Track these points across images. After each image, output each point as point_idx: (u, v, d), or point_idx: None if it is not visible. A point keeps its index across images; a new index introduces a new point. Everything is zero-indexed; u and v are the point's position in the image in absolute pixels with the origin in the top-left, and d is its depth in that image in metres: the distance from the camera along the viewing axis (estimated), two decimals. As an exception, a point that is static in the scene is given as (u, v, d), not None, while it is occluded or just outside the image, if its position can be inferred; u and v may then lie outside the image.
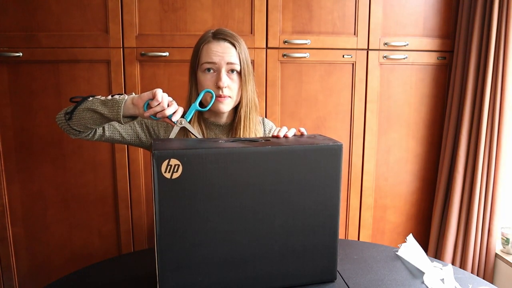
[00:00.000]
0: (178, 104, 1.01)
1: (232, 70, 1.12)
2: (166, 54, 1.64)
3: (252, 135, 1.18)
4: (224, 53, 1.10)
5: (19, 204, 1.70)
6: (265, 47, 1.70)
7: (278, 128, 0.98)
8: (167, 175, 0.75)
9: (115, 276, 0.98)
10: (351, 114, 1.81)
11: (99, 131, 1.12)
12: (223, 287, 0.83)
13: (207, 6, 1.65)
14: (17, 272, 1.74)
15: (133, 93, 1.05)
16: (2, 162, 1.66)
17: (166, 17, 1.64)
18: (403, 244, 1.09)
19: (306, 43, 1.71)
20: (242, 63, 1.12)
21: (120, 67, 1.64)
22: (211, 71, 1.11)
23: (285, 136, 0.95)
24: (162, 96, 0.96)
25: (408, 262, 1.04)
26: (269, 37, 1.70)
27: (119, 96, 1.02)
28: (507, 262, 1.74)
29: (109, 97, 1.03)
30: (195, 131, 1.04)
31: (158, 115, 0.97)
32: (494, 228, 1.75)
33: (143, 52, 1.63)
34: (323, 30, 1.73)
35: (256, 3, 1.67)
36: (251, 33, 1.68)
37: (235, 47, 1.11)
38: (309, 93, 1.77)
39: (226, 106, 1.14)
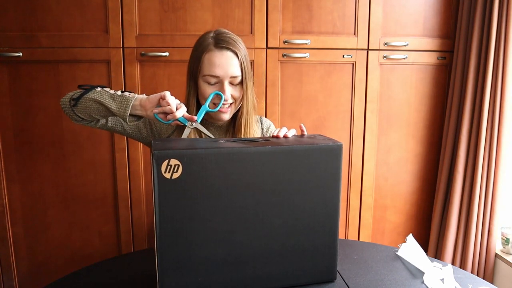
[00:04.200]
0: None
1: (234, 80, 1.12)
2: (166, 54, 1.64)
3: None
4: (228, 65, 1.09)
5: (19, 204, 1.70)
6: (265, 47, 1.70)
7: (278, 129, 0.98)
8: (167, 175, 0.75)
9: (115, 276, 0.98)
10: (351, 114, 1.81)
11: (102, 121, 1.12)
12: (223, 287, 0.83)
13: (207, 6, 1.65)
14: (17, 272, 1.74)
15: (144, 94, 1.03)
16: (2, 162, 1.66)
17: (166, 17, 1.64)
18: (403, 244, 1.09)
19: (306, 43, 1.71)
20: (243, 72, 1.12)
21: (120, 67, 1.64)
22: (213, 82, 1.11)
23: (285, 136, 0.95)
24: (171, 98, 0.98)
25: (408, 262, 1.04)
26: (269, 37, 1.70)
27: (129, 94, 1.01)
28: (507, 262, 1.74)
29: (119, 92, 1.03)
30: (207, 131, 1.05)
31: (169, 117, 0.97)
32: (494, 228, 1.75)
33: (143, 52, 1.63)
34: (323, 30, 1.73)
35: (256, 3, 1.67)
36: (251, 33, 1.68)
37: (237, 55, 1.10)
38: (309, 93, 1.77)
39: (228, 115, 1.15)
